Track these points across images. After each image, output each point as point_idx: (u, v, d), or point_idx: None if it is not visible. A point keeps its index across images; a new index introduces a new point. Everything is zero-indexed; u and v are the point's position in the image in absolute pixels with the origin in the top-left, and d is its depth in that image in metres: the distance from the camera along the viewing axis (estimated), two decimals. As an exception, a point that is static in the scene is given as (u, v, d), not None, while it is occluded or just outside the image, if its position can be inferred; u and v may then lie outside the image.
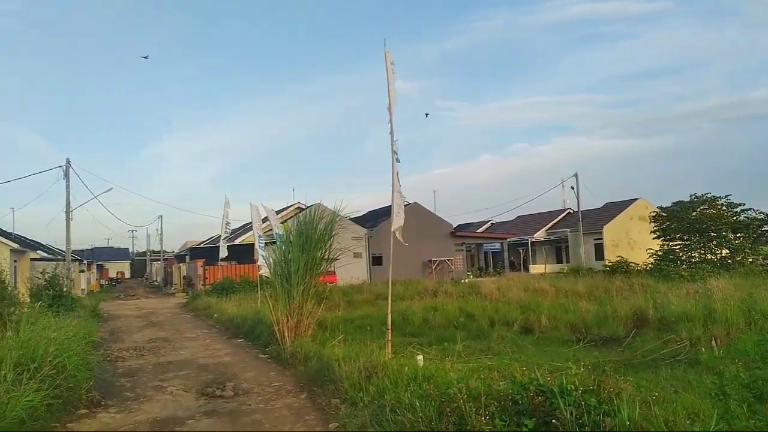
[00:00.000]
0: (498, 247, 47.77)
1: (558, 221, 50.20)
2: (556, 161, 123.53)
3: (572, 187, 43.73)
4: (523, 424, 4.45)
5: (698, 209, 32.30)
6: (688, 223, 31.83)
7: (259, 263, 21.99)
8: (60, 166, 31.02)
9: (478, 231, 53.99)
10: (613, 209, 46.03)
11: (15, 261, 26.74)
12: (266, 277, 17.65)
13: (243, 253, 33.40)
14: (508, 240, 46.77)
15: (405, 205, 8.52)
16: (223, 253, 26.06)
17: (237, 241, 36.06)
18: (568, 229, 46.61)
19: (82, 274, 42.56)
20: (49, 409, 6.55)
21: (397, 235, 8.26)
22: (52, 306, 15.14)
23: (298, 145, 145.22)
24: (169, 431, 6.34)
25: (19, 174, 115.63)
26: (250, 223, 25.45)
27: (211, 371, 9.74)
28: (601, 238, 43.65)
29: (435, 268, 37.88)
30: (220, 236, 29.51)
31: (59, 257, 38.91)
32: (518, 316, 14.78)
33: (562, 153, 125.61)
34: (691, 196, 33.27)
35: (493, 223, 58.70)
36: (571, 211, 49.23)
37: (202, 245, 48.42)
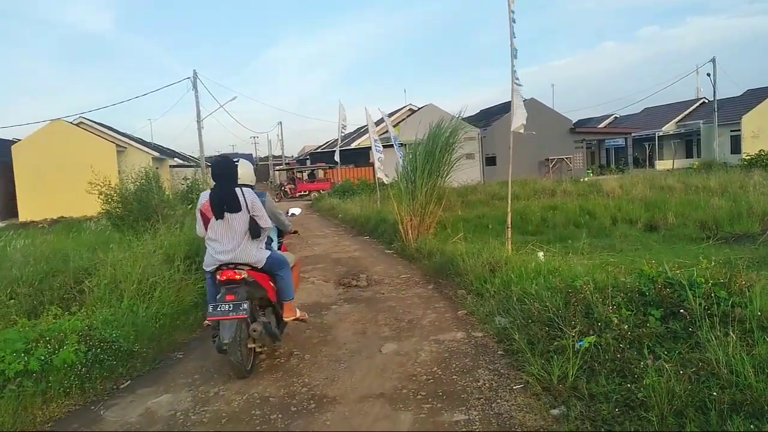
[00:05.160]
0: (621, 142, 45.13)
1: (690, 112, 46.16)
2: (689, 47, 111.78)
3: (708, 74, 39.53)
4: (650, 314, 4.65)
5: None
6: None
7: (376, 166, 22.80)
8: (188, 78, 33.05)
9: (600, 126, 50.90)
10: (755, 97, 41.11)
11: (156, 168, 29.54)
12: (383, 181, 18.36)
13: (360, 156, 34.46)
14: (633, 134, 43.83)
15: (522, 101, 8.41)
16: (338, 158, 27.92)
17: (353, 145, 37.08)
18: (701, 121, 42.71)
19: (214, 178, 45.73)
20: (213, 295, 7.72)
21: (520, 131, 8.27)
22: (199, 207, 16.72)
23: (411, 44, 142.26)
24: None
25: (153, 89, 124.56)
26: (366, 126, 26.10)
27: (344, 264, 10.65)
28: (739, 130, 39.66)
29: (552, 167, 36.79)
30: (337, 141, 30.59)
31: (193, 163, 42.43)
32: (642, 214, 14.40)
33: (698, 36, 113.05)
34: None
35: (616, 117, 55.06)
36: (706, 101, 44.93)
37: (320, 150, 50.23)
